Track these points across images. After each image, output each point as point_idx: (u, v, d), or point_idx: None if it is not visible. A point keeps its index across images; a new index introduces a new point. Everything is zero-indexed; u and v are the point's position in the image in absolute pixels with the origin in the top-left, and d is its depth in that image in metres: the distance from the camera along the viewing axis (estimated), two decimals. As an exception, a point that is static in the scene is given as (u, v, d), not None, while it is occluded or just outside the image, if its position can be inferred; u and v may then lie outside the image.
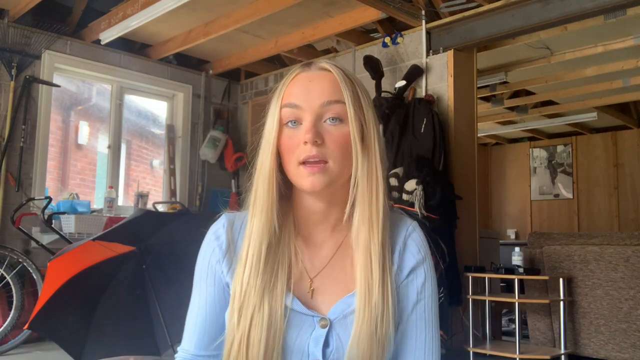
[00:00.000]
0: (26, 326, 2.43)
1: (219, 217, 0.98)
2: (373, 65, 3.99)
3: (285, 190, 0.93)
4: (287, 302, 0.89)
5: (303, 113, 0.88)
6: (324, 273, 0.93)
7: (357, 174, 0.90)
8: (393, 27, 4.25)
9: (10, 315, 3.58)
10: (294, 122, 0.88)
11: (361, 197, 0.90)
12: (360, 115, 0.91)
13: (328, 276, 0.93)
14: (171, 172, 5.10)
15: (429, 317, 0.93)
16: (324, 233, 0.95)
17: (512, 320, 4.66)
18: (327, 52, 4.90)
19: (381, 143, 0.93)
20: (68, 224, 4.01)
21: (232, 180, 5.44)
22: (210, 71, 5.33)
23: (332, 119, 0.88)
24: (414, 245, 0.95)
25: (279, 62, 5.35)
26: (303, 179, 0.87)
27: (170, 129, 5.20)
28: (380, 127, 0.98)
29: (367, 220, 0.90)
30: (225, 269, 0.94)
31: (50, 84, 4.28)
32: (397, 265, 0.93)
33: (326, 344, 0.88)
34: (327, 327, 0.89)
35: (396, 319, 0.90)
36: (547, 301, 3.45)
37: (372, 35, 4.58)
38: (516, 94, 6.18)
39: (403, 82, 3.92)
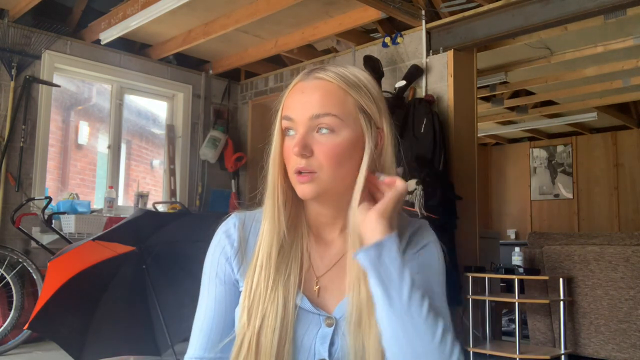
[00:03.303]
0: (26, 326, 2.43)
1: (228, 216, 1.00)
2: (373, 65, 3.99)
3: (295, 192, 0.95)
4: (297, 300, 0.90)
5: (296, 125, 0.90)
6: (332, 272, 0.95)
7: (361, 179, 0.90)
8: (393, 27, 4.25)
9: (10, 315, 3.58)
10: (292, 132, 0.91)
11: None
12: (364, 121, 0.91)
13: (336, 275, 0.94)
14: (171, 172, 5.10)
15: (429, 287, 0.89)
16: (334, 233, 0.97)
17: (512, 320, 4.66)
18: (327, 52, 4.90)
19: (392, 151, 0.95)
20: (68, 224, 4.01)
21: (232, 180, 5.44)
22: (210, 71, 5.33)
23: (323, 130, 0.88)
24: (419, 237, 0.96)
25: (279, 63, 5.35)
26: (297, 187, 0.90)
27: (170, 129, 5.20)
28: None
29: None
30: (236, 267, 0.95)
31: (50, 84, 4.28)
32: None
33: (332, 343, 0.89)
34: (333, 326, 0.90)
35: None
36: (547, 301, 3.45)
37: (372, 35, 4.58)
38: (516, 94, 6.18)
39: (403, 82, 3.92)
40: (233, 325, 0.94)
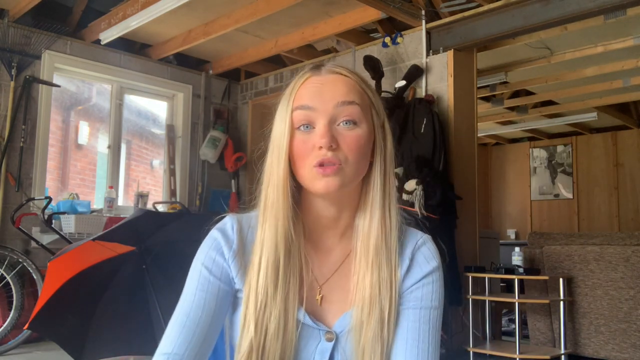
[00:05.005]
0: (26, 326, 2.43)
1: (223, 217, 0.95)
2: (373, 65, 3.99)
3: (295, 195, 0.90)
4: (299, 315, 0.87)
5: (316, 115, 0.85)
6: (332, 280, 0.92)
7: (371, 178, 0.89)
8: (393, 27, 4.25)
9: (10, 315, 3.58)
10: (307, 126, 0.86)
11: (374, 202, 0.89)
12: (375, 117, 0.90)
13: (335, 284, 0.92)
14: (171, 172, 5.10)
15: (426, 328, 0.89)
16: (333, 239, 0.93)
17: (512, 320, 4.66)
18: (327, 52, 4.90)
19: (393, 149, 0.92)
20: (68, 224, 4.01)
21: (232, 180, 5.44)
22: (210, 71, 5.33)
23: (346, 122, 0.85)
24: (422, 258, 0.92)
25: (279, 63, 5.35)
26: (317, 181, 0.84)
27: (170, 129, 5.20)
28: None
29: (379, 226, 0.89)
30: (234, 269, 0.90)
31: (50, 84, 4.28)
32: (402, 277, 0.91)
33: (331, 357, 0.88)
34: (333, 341, 0.88)
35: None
36: (547, 301, 3.45)
37: (372, 35, 4.58)
38: (516, 94, 6.18)
39: (403, 82, 3.92)
40: (219, 326, 0.89)
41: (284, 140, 0.86)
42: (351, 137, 0.85)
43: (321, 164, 0.83)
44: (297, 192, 0.90)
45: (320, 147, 0.83)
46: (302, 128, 0.86)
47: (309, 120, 0.86)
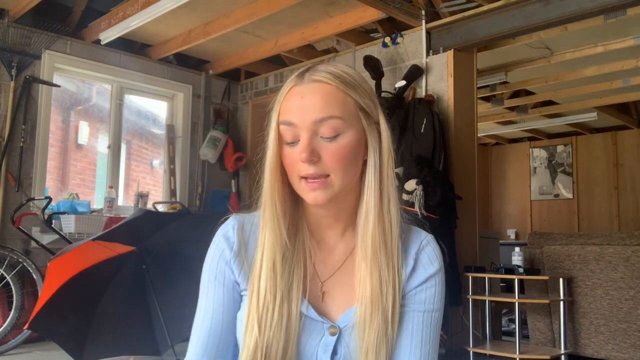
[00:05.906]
0: (26, 326, 2.44)
1: (227, 219, 0.97)
2: (373, 65, 3.99)
3: (295, 196, 0.92)
4: (302, 308, 0.88)
5: (298, 130, 0.86)
6: (335, 277, 0.93)
7: (365, 177, 0.90)
8: (393, 27, 4.25)
9: (10, 315, 3.58)
10: (292, 139, 0.88)
11: (370, 201, 0.90)
12: (364, 119, 0.89)
13: (338, 281, 0.93)
14: (171, 172, 5.10)
15: (428, 331, 0.91)
16: (335, 237, 0.95)
17: (512, 320, 4.66)
18: (327, 52, 4.90)
19: (391, 145, 0.92)
20: (68, 224, 4.01)
21: (232, 180, 5.44)
22: (210, 71, 5.33)
23: (328, 133, 0.86)
24: (427, 259, 0.93)
25: (278, 63, 5.35)
26: (305, 194, 0.87)
27: (170, 129, 5.20)
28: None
29: (377, 225, 0.89)
30: (236, 270, 0.92)
31: (50, 84, 4.28)
32: (406, 277, 0.91)
33: (334, 352, 0.88)
34: (336, 335, 0.89)
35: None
36: (547, 301, 3.45)
37: (372, 35, 4.58)
38: (516, 94, 6.19)
39: (403, 82, 3.92)
40: (232, 330, 0.92)
41: (274, 152, 0.89)
42: (334, 149, 0.86)
43: (305, 178, 0.86)
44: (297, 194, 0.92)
45: (303, 161, 0.85)
46: (288, 140, 0.88)
47: (293, 134, 0.87)
